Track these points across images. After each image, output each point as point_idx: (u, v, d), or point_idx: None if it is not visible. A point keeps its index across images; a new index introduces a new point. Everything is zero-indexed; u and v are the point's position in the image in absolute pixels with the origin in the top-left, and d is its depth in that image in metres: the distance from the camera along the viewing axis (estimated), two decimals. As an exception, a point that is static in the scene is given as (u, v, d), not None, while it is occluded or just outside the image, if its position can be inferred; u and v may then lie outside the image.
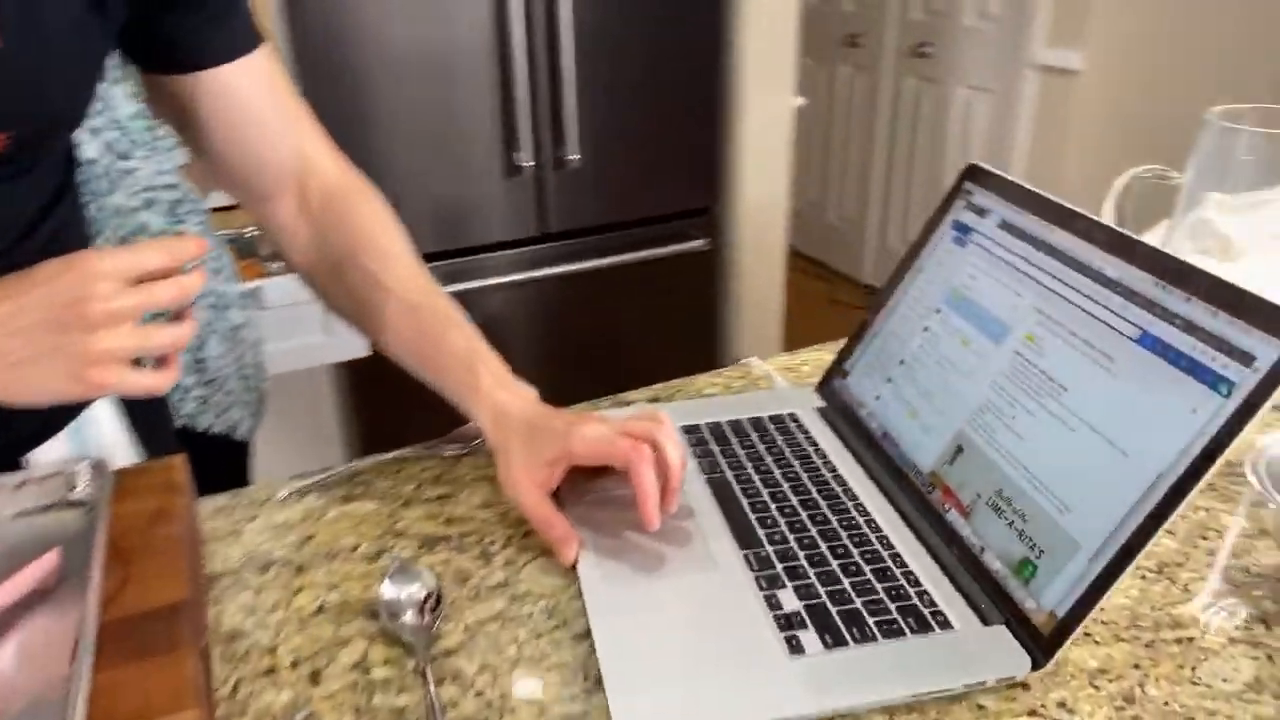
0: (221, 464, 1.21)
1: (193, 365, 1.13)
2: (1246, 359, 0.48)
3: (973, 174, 0.73)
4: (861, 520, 0.63)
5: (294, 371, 1.51)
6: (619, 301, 2.05)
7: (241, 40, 0.66)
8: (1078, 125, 2.50)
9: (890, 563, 0.59)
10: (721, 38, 1.93)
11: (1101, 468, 0.52)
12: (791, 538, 0.61)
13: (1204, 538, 0.63)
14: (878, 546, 0.60)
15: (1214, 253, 0.87)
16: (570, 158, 1.86)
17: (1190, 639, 0.54)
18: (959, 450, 0.62)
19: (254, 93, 0.67)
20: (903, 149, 3.12)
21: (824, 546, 0.60)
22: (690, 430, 0.73)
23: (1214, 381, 0.49)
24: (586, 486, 0.65)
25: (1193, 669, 0.52)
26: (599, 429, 0.61)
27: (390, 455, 0.74)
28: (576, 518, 0.62)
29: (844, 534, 0.61)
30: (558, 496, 0.63)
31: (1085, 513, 0.52)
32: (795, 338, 2.46)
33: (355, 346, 1.49)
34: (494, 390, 0.65)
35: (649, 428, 0.61)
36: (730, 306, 2.22)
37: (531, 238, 1.93)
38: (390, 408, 1.91)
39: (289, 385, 1.72)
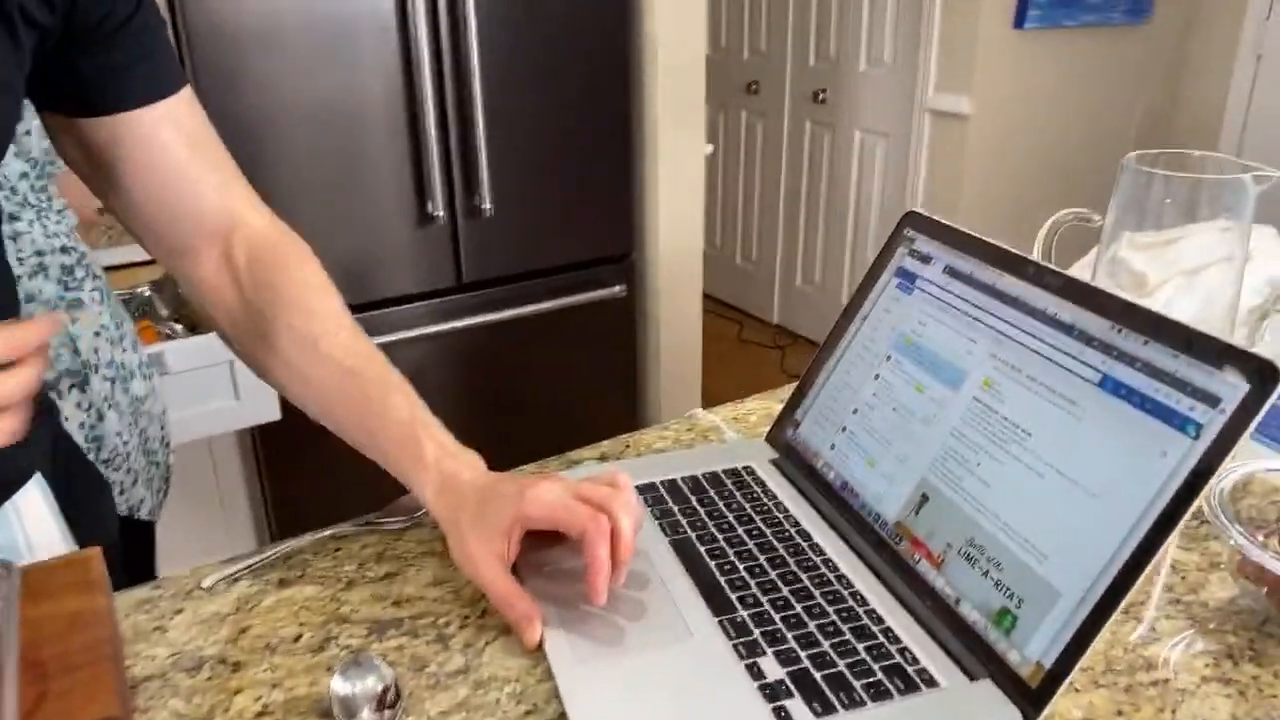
0: (123, 549, 1.12)
1: (90, 442, 1.05)
2: (1212, 400, 0.48)
3: (912, 220, 0.74)
4: (832, 576, 0.62)
5: (201, 440, 1.42)
6: (538, 351, 2.02)
7: (163, 81, 0.62)
8: (970, 166, 2.61)
9: (867, 620, 0.57)
10: (631, 85, 1.94)
11: (1076, 514, 0.52)
12: (764, 600, 0.59)
13: (1159, 573, 0.64)
14: (852, 603, 0.59)
15: (1129, 289, 0.91)
16: (483, 206, 1.83)
17: (1165, 680, 0.55)
18: (924, 499, 0.62)
19: (176, 138, 0.63)
20: (805, 192, 3.21)
21: (799, 607, 0.58)
22: (646, 489, 0.71)
23: (1181, 424, 0.49)
24: (541, 557, 0.62)
25: (1173, 712, 0.52)
26: (554, 491, 0.58)
27: (326, 533, 0.69)
28: (535, 591, 0.59)
29: (816, 592, 0.60)
30: (514, 570, 0.60)
31: (1063, 560, 0.52)
32: (711, 380, 2.47)
33: (268, 409, 1.42)
34: (440, 460, 0.62)
35: (606, 496, 0.58)
36: (649, 352, 2.22)
37: (446, 288, 1.89)
38: (310, 476, 1.82)
39: (196, 455, 1.62)
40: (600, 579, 0.56)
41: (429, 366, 1.90)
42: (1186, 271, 0.89)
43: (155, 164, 0.63)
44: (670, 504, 0.69)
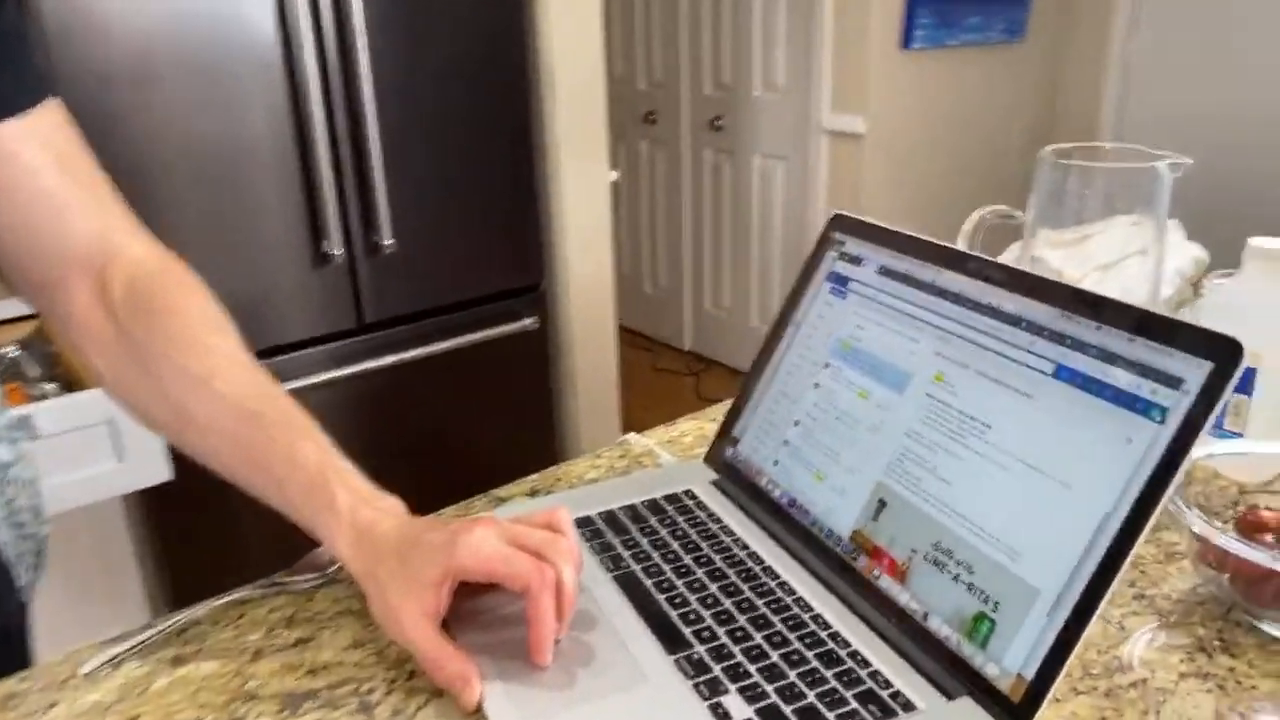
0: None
1: (-52, 516, 0.93)
2: (1173, 382, 0.47)
3: (840, 223, 0.72)
4: (790, 600, 0.57)
5: (80, 508, 1.30)
6: (450, 390, 1.94)
7: (26, 90, 0.55)
8: (869, 183, 2.66)
9: (833, 644, 0.53)
10: (531, 111, 1.90)
11: (1046, 506, 0.49)
12: (721, 632, 0.54)
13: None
14: (814, 628, 0.55)
15: (1048, 287, 0.91)
16: (383, 243, 1.75)
17: (1143, 680, 0.52)
18: (881, 505, 0.58)
19: (41, 157, 0.56)
20: (709, 218, 3.22)
21: (759, 637, 0.54)
22: (583, 523, 0.66)
23: (1145, 408, 0.47)
24: (474, 605, 0.56)
25: (1157, 714, 0.50)
26: (489, 540, 0.52)
27: (226, 599, 0.61)
28: (470, 644, 0.53)
29: (776, 619, 0.56)
30: (444, 624, 0.54)
31: (1037, 557, 0.49)
32: (630, 410, 2.43)
33: (155, 469, 1.30)
34: (354, 508, 0.55)
35: (545, 542, 0.53)
36: (565, 384, 2.16)
37: (346, 330, 1.80)
38: (206, 539, 1.69)
39: (77, 524, 1.49)
40: (546, 637, 0.51)
41: (332, 414, 1.80)
42: (1102, 266, 0.89)
43: (18, 185, 0.56)
44: (610, 537, 0.64)
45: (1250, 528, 0.61)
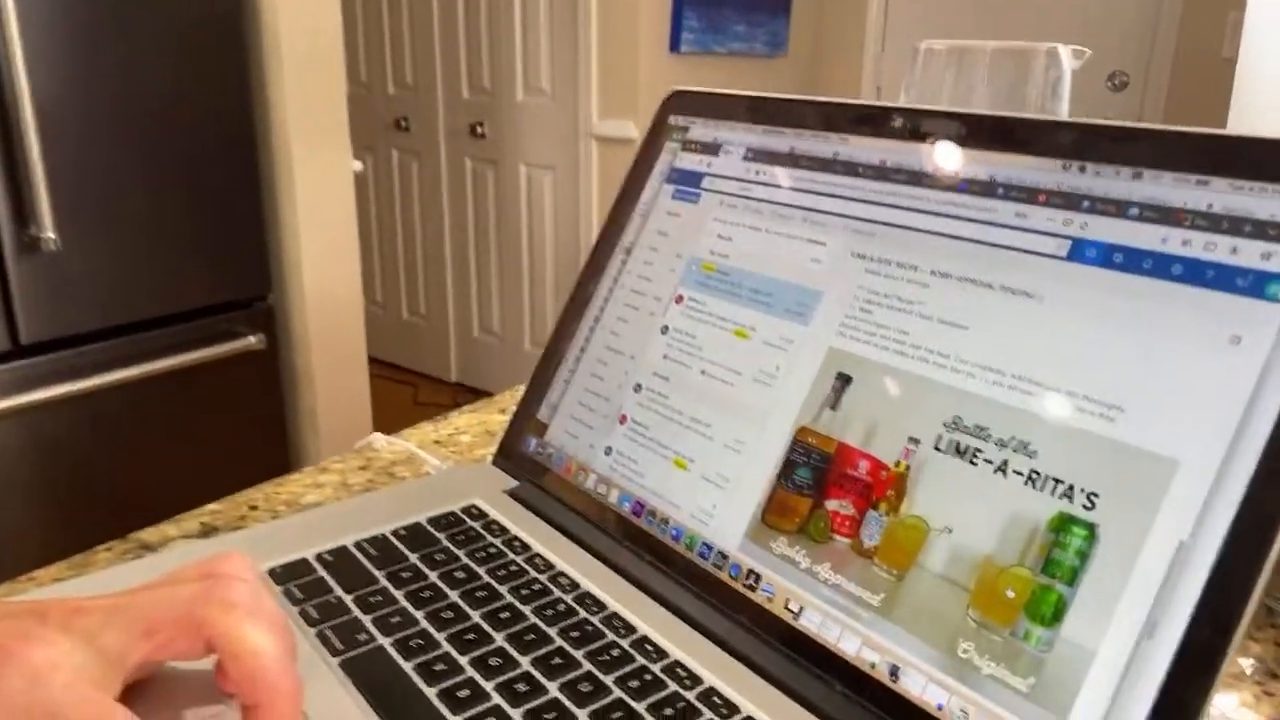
0: None
1: None
2: (1303, 235, 0.28)
3: (679, 103, 0.50)
4: (658, 669, 0.33)
5: None
6: (151, 426, 1.53)
7: None
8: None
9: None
10: (253, 84, 1.56)
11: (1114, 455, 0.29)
12: (552, 747, 0.29)
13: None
14: (700, 707, 0.31)
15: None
16: (43, 237, 1.34)
17: None
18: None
19: None
20: (472, 234, 2.95)
21: (622, 748, 0.29)
22: (289, 571, 0.38)
23: (1257, 283, 0.28)
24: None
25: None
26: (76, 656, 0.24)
27: None
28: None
29: (637, 704, 0.31)
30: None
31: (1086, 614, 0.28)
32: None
33: None
34: None
35: (203, 619, 0.26)
36: (303, 415, 1.80)
37: (-3, 355, 1.36)
38: None
39: None
40: None
41: (-21, 466, 1.34)
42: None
43: None
44: (336, 591, 0.37)
45: None
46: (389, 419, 2.71)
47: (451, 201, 2.96)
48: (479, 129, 2.79)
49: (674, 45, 2.44)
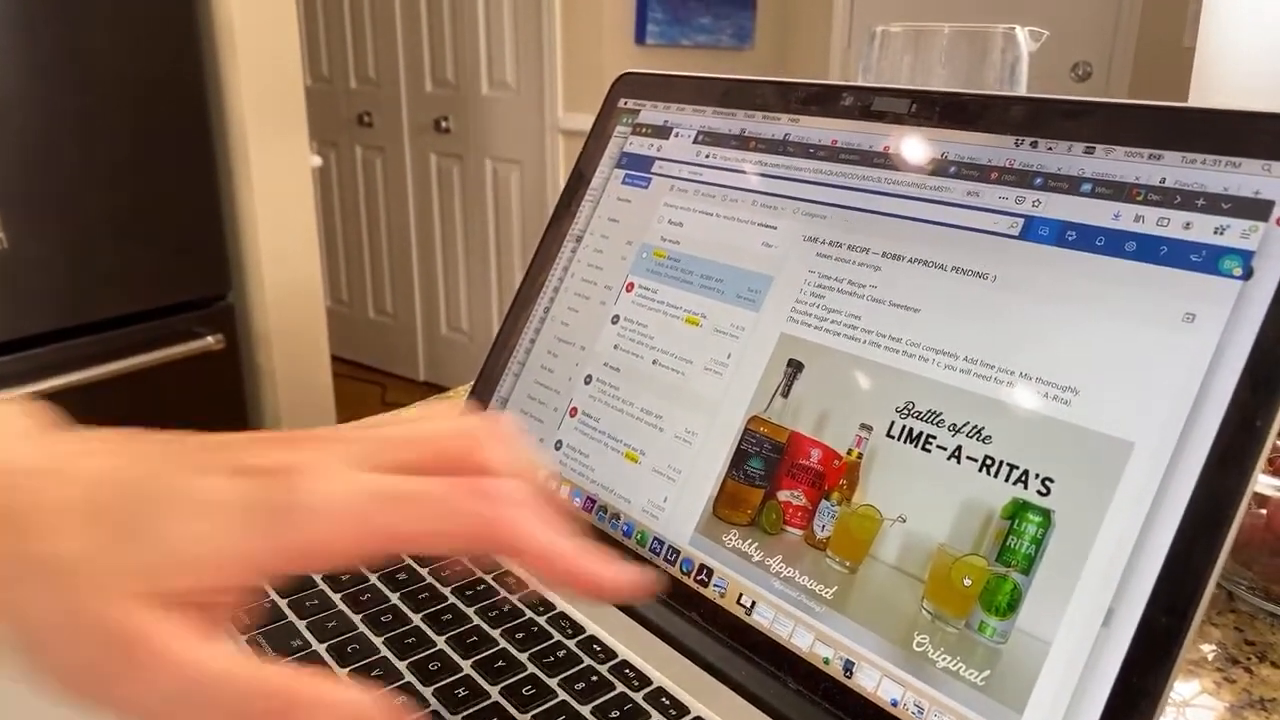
0: None
1: None
2: (1257, 209, 0.27)
3: (628, 85, 0.49)
4: (605, 669, 0.32)
5: None
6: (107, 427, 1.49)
7: None
8: (608, 189, 2.50)
9: (701, 746, 0.29)
10: (206, 71, 1.53)
11: (1071, 440, 0.28)
12: (491, 755, 0.28)
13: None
14: (648, 709, 0.30)
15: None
16: (-7, 237, 1.30)
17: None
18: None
19: None
20: (438, 230, 2.92)
21: (564, 754, 0.28)
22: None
23: (1211, 259, 0.27)
24: None
25: None
26: (339, 482, 0.22)
27: None
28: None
29: (582, 707, 0.30)
30: None
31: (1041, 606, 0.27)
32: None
33: None
34: None
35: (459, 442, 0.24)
36: (266, 416, 1.77)
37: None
38: None
39: None
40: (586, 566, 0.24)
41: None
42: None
43: None
44: (270, 596, 0.36)
45: None
46: (356, 419, 2.68)
47: (417, 198, 2.93)
48: (443, 123, 2.76)
49: (639, 38, 2.42)
